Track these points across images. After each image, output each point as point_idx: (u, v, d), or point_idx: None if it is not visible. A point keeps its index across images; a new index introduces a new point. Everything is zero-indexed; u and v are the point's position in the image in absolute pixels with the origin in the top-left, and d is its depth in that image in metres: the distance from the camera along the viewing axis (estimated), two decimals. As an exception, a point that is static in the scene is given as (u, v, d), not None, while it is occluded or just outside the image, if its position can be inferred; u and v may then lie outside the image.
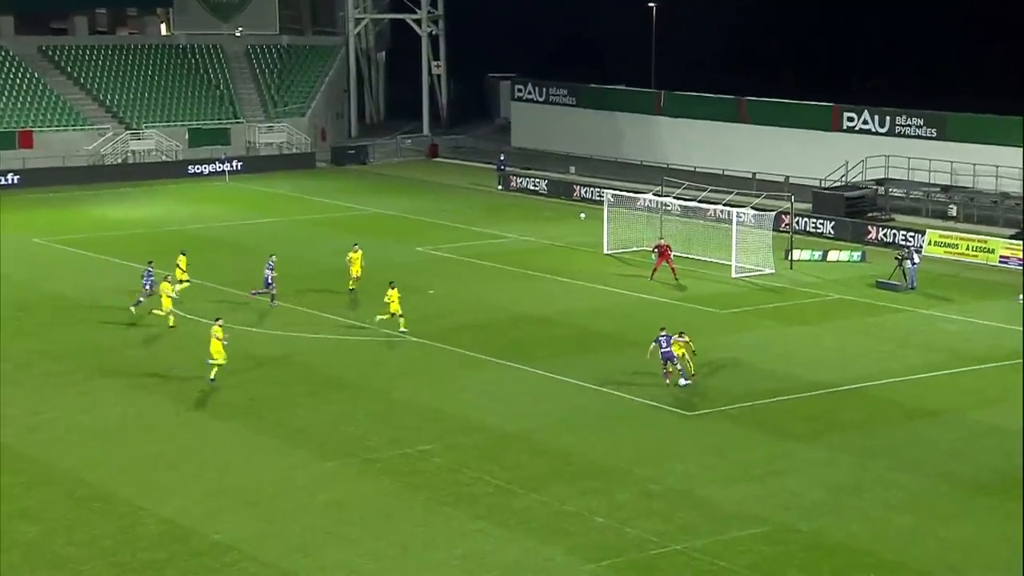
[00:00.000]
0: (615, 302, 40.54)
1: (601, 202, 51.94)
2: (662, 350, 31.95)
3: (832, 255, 48.23)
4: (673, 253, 43.85)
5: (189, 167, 68.52)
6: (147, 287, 38.59)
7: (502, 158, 66.49)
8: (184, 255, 41.16)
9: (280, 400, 31.19)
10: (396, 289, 36.83)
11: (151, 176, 67.39)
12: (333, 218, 57.29)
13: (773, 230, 47.27)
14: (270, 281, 39.44)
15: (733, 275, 44.86)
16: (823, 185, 58.79)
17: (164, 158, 70.02)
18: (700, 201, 49.93)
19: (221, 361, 31.80)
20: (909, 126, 60.41)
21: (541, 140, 75.74)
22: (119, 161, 68.54)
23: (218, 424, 29.43)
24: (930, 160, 57.60)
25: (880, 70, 74.40)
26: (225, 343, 31.75)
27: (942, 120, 59.23)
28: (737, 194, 51.01)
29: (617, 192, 51.98)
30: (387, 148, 77.24)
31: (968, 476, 26.03)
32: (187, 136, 71.51)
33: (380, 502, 24.88)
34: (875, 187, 57.29)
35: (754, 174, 61.70)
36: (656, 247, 44.13)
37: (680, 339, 32.09)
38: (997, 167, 56.01)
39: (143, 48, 76.01)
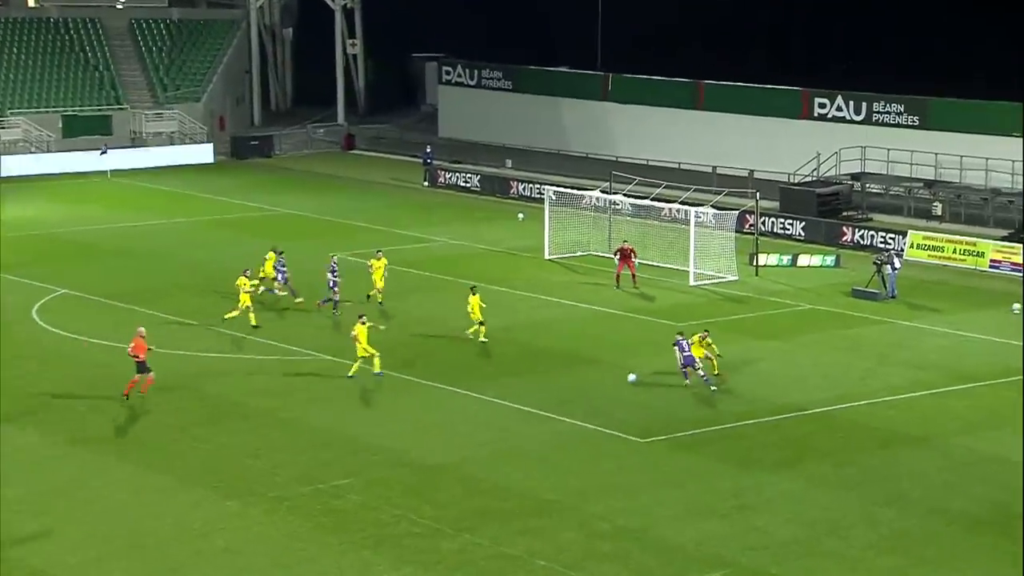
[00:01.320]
0: (560, 315, 40.66)
1: (542, 200, 52.11)
2: (684, 354, 32.95)
3: (803, 259, 48.77)
4: (637, 259, 43.96)
5: (63, 160, 67.52)
6: (281, 279, 40.63)
7: (428, 150, 66.48)
8: (275, 253, 41.94)
9: (174, 430, 30.85)
10: (478, 295, 37.28)
11: (17, 171, 66.32)
12: (234, 219, 56.85)
13: (736, 231, 47.68)
14: (332, 285, 39.56)
15: (691, 283, 45.19)
16: (792, 180, 59.46)
17: (33, 150, 68.96)
18: (653, 199, 50.26)
19: (373, 351, 33.47)
20: (888, 113, 61.35)
21: (473, 130, 75.82)
22: (-20, 153, 67.43)
23: (99, 460, 29.00)
24: (912, 152, 58.52)
25: (856, 49, 75.50)
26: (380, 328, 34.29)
27: (925, 106, 60.22)
28: (695, 191, 51.39)
29: (560, 189, 52.18)
30: (296, 139, 76.86)
31: (960, 512, 26.37)
32: (60, 124, 70.54)
33: (287, 546, 24.71)
34: (850, 182, 58.09)
35: (714, 168, 62.26)
36: (618, 251, 44.26)
37: (702, 339, 33.11)
38: (987, 159, 56.96)
39: (7, 22, 74.84)
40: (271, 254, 42.34)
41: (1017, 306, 41.43)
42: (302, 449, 29.65)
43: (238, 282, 39.10)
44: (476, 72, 76.74)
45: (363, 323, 34.25)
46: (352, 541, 24.98)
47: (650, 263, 47.10)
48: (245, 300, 38.59)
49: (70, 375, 34.84)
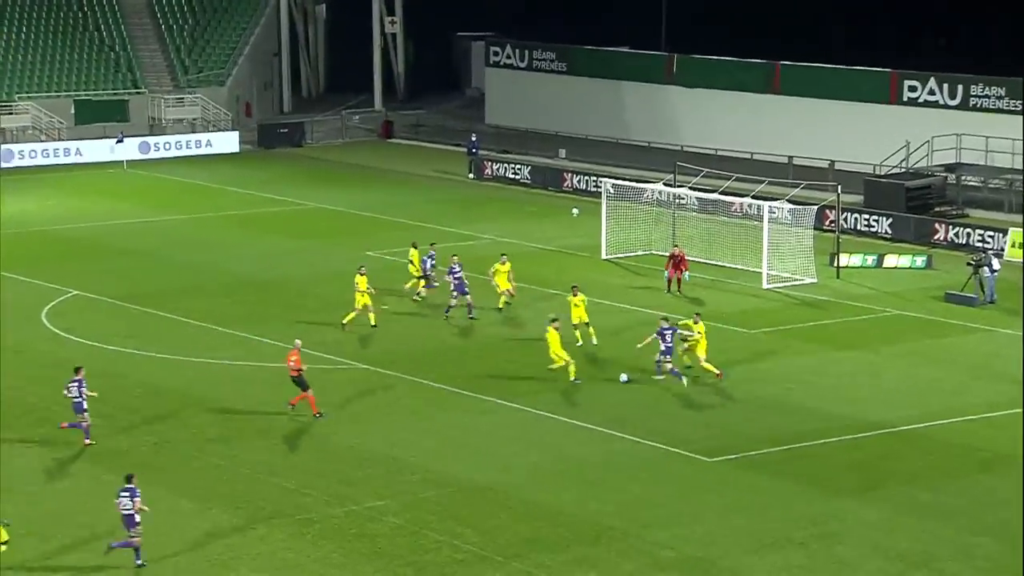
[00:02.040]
0: (617, 321, 40.50)
1: (598, 194, 51.94)
2: (665, 344, 33.91)
3: (889, 260, 48.34)
4: (686, 267, 43.71)
5: (76, 149, 68.20)
6: (429, 270, 41.26)
7: (474, 139, 66.52)
8: (417, 249, 42.54)
9: (192, 447, 30.97)
10: (581, 295, 37.84)
11: (26, 161, 67.05)
12: (261, 215, 57.13)
13: (815, 229, 47.35)
14: (454, 288, 40.03)
15: (765, 285, 44.93)
16: (878, 172, 58.96)
17: (43, 138, 69.68)
18: (722, 193, 49.99)
19: (567, 358, 34.29)
20: (987, 97, 60.69)
21: (523, 116, 75.78)
22: (-14, 142, 68.20)
23: (110, 479, 29.13)
24: (1013, 141, 57.82)
25: (951, 25, 74.55)
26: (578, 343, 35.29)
27: (1028, 89, 59.47)
28: (769, 183, 51.07)
29: (618, 182, 52.01)
30: (329, 127, 77.20)
31: (1065, 540, 25.99)
32: (73, 110, 71.21)
33: (319, 575, 24.62)
34: (944, 174, 57.48)
35: (790, 159, 61.84)
36: (671, 257, 44.02)
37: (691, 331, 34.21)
38: (1097, 150, 56.23)
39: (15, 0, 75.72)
40: (413, 251, 42.48)
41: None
42: (332, 467, 29.69)
43: (356, 280, 39.10)
44: (527, 53, 76.73)
45: (555, 328, 34.73)
46: (389, 569, 24.96)
47: (718, 263, 46.81)
48: (362, 300, 38.78)
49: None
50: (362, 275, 39.52)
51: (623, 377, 33.95)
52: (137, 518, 25.27)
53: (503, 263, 41.39)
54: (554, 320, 35.35)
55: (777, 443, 31.19)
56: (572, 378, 34.65)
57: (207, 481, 29.07)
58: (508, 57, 77.52)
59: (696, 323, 35.25)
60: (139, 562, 25.04)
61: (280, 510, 27.49)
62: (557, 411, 33.00)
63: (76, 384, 31.11)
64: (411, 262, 42.59)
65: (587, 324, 37.78)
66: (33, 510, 27.52)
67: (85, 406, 31.03)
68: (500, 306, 41.05)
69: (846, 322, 41.47)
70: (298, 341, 33.35)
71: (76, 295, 43.91)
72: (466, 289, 40.30)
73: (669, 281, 43.84)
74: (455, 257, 40.99)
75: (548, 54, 75.88)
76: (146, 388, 34.87)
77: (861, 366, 37.18)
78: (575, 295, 37.94)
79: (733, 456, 30.43)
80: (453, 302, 40.21)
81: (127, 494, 25.34)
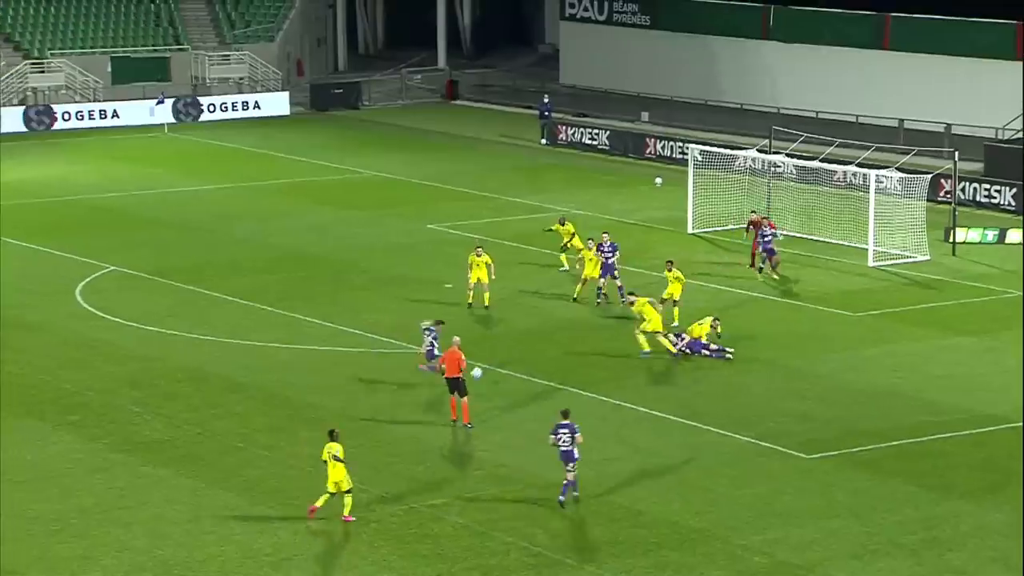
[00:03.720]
0: (704, 301, 40.32)
1: (684, 162, 51.75)
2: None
3: (1012, 236, 47.77)
4: (772, 231, 43.29)
5: (113, 111, 68.89)
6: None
7: (546, 101, 66.44)
8: (562, 225, 43.29)
9: (238, 438, 31.23)
10: (677, 271, 38.28)
11: (60, 123, 67.82)
12: (312, 183, 57.45)
13: (928, 200, 46.91)
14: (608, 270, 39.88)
15: (871, 263, 44.58)
16: (1001, 137, 58.15)
17: (78, 98, 70.47)
18: (823, 160, 49.59)
19: (658, 328, 35.08)
20: (1124, 53, 59.67)
21: (601, 76, 75.59)
22: (15, 102, 69.03)
23: (150, 472, 29.48)
24: None
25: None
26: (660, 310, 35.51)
27: None
28: (877, 150, 50.59)
29: (707, 148, 51.74)
30: (388, 87, 77.43)
31: None
32: (110, 69, 71.95)
33: (375, 580, 24.79)
34: (1074, 140, 56.65)
35: (901, 122, 61.24)
36: (751, 223, 43.82)
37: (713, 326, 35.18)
38: None
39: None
40: (559, 226, 43.04)
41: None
42: (390, 461, 29.80)
43: (470, 259, 39.05)
44: (606, 4, 76.47)
45: (652, 303, 35.55)
46: (452, 573, 25.05)
47: (819, 239, 46.43)
48: (475, 274, 38.92)
49: (119, 369, 35.52)
50: (477, 256, 39.07)
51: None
52: (576, 453, 27.19)
53: (589, 248, 40.77)
54: (631, 295, 36.29)
55: (884, 439, 30.90)
56: (675, 351, 35.42)
57: (254, 474, 29.27)
58: (585, 9, 77.29)
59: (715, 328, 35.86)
60: (572, 495, 27.20)
61: (332, 508, 27.57)
62: (635, 401, 32.93)
63: (430, 333, 33.56)
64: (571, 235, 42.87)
65: (675, 303, 37.71)
66: (66, 504, 27.87)
67: (436, 353, 33.19)
68: (576, 297, 40.52)
69: (963, 304, 41.03)
70: (457, 339, 31.81)
71: (112, 270, 44.40)
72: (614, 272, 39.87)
73: (754, 254, 43.49)
74: (606, 234, 40.48)
75: (630, 6, 75.56)
76: (188, 373, 35.19)
77: (979, 353, 36.77)
78: (670, 270, 37.94)
79: (834, 453, 30.18)
80: (602, 282, 39.84)
81: (566, 430, 27.25)
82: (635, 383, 34.18)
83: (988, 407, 32.83)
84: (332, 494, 26.85)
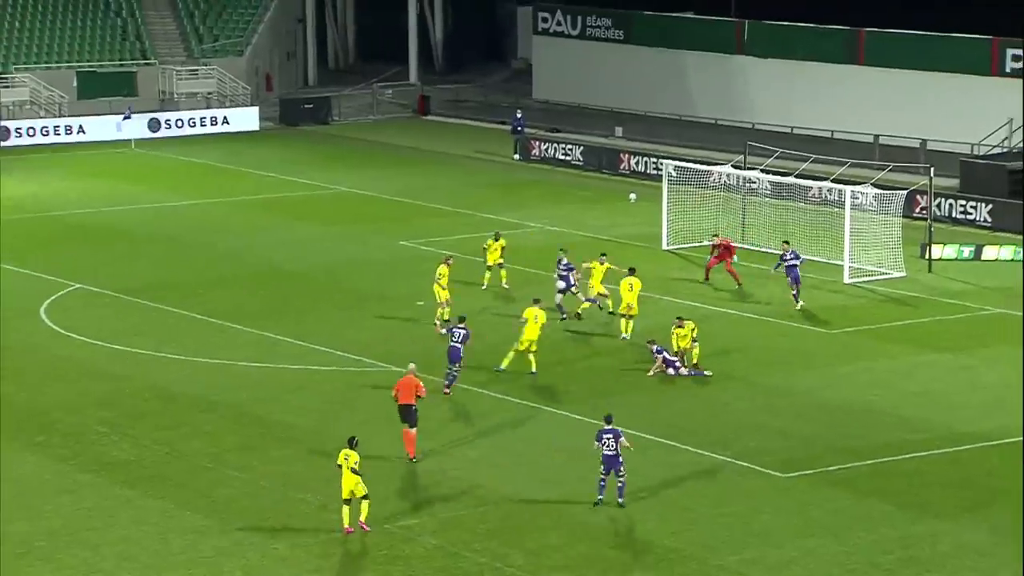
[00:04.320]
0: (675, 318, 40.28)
1: (659, 177, 51.85)
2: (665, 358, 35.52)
3: (989, 252, 48.00)
4: (735, 256, 43.70)
5: (79, 126, 68.73)
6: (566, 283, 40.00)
7: (519, 116, 66.54)
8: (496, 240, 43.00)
9: (208, 458, 31.15)
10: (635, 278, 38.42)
11: (24, 139, 67.60)
12: (283, 199, 57.35)
13: (904, 216, 47.09)
14: (572, 283, 39.79)
15: (846, 280, 44.74)
16: (976, 152, 58.46)
17: (42, 114, 70.25)
18: (798, 176, 49.77)
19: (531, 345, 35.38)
20: (1099, 69, 60.10)
21: (575, 91, 75.72)
22: (-20, 119, 68.79)
23: (118, 493, 29.36)
24: None
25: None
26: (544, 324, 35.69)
27: None
28: (852, 166, 50.77)
29: (682, 164, 51.88)
30: (359, 102, 77.41)
31: None
32: (75, 83, 71.76)
33: (347, 602, 24.83)
34: (1050, 156, 56.98)
35: (876, 138, 61.47)
36: (715, 247, 43.99)
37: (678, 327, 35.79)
38: None
39: (15, -39, 76.34)
40: (492, 242, 42.80)
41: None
42: (364, 482, 29.72)
43: (438, 272, 39.07)
44: (579, 19, 76.65)
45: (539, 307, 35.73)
46: (424, 595, 25.03)
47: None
48: (443, 294, 38.75)
49: (85, 389, 35.38)
50: (448, 265, 39.23)
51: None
52: (622, 458, 28.07)
53: (602, 262, 40.50)
54: (536, 300, 36.38)
55: (861, 457, 30.99)
56: (533, 369, 35.48)
57: (224, 494, 29.19)
58: (559, 24, 77.47)
59: (681, 326, 36.17)
60: (618, 501, 28.13)
61: (304, 528, 27.56)
62: (615, 421, 32.87)
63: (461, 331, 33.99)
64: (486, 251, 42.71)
65: (630, 318, 37.71)
66: (33, 526, 27.73)
67: (462, 353, 33.74)
68: (610, 309, 40.21)
69: (939, 321, 41.19)
70: (412, 365, 31.65)
71: (78, 288, 44.24)
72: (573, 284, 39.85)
73: (709, 269, 43.86)
74: (563, 253, 40.46)
75: (603, 20, 75.77)
76: (156, 392, 35.08)
77: (956, 370, 36.92)
78: (632, 275, 38.33)
79: (810, 471, 30.27)
80: (576, 292, 39.91)
81: (610, 435, 28.21)
82: (613, 402, 34.16)
83: (965, 424, 32.96)
84: (347, 501, 27.04)
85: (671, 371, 35.69)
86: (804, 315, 40.94)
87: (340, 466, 27.19)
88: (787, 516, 28.13)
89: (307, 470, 30.44)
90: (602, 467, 28.32)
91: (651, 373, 35.72)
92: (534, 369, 35.66)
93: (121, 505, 28.70)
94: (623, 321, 38.51)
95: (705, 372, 35.78)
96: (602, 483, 28.36)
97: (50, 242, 50.43)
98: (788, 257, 41.70)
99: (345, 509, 27.09)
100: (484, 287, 42.07)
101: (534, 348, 35.58)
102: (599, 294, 40.41)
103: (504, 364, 35.78)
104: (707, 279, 44.10)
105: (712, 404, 34.26)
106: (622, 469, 28.27)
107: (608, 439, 28.27)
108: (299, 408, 33.96)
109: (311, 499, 28.97)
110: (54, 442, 32.03)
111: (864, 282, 44.63)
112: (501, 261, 42.69)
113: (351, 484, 27.00)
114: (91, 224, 53.16)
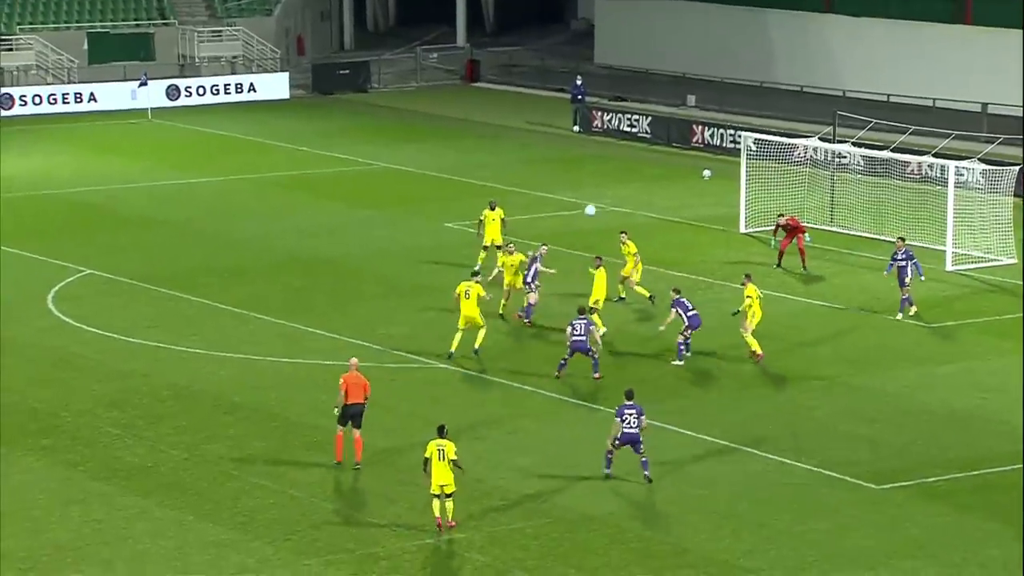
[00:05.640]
0: (763, 312, 40.18)
1: (736, 152, 51.73)
2: (689, 314, 35.76)
3: (1110, 237, 47.59)
4: (806, 234, 43.78)
5: (89, 94, 69.14)
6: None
7: (579, 83, 66.52)
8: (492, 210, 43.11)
9: (231, 464, 31.34)
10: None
11: (30, 108, 68.08)
12: (315, 177, 57.57)
13: (1016, 196, 46.91)
14: (530, 280, 39.22)
15: (948, 267, 44.52)
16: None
17: (50, 80, 70.75)
18: (895, 150, 49.52)
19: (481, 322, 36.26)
20: None
21: (641, 55, 75.59)
22: (-20, 86, 69.38)
23: (131, 503, 29.57)
24: None
25: None
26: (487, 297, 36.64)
27: None
28: (956, 138, 50.44)
29: (762, 136, 51.73)
30: (401, 67, 77.59)
31: None
32: (86, 46, 72.23)
33: (385, 626, 24.96)
34: None
35: (984, 107, 61.10)
36: (780, 227, 44.04)
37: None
38: None
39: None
40: (489, 212, 42.81)
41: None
42: (403, 490, 29.80)
43: (501, 262, 39.66)
44: (648, -26, 76.49)
45: (477, 281, 36.50)
46: (470, 619, 25.14)
47: (889, 239, 46.30)
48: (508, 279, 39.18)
49: (96, 387, 35.63)
50: (510, 253, 39.38)
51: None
52: (641, 437, 29.54)
53: (624, 242, 40.66)
54: (475, 274, 37.07)
55: (965, 468, 30.85)
56: (476, 345, 36.44)
57: (249, 505, 29.31)
58: (624, -21, 77.34)
59: (746, 285, 36.52)
60: (644, 475, 29.69)
61: (338, 543, 27.65)
62: (681, 423, 32.90)
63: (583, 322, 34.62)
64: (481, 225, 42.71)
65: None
66: (36, 541, 27.97)
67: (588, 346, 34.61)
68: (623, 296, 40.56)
69: (1053, 315, 40.93)
70: (354, 360, 31.75)
71: (89, 274, 44.58)
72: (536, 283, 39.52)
73: (781, 254, 43.78)
74: (543, 248, 40.11)
75: (675, -25, 75.58)
76: (174, 390, 35.30)
77: (1073, 371, 36.69)
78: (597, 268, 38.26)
79: (907, 483, 30.15)
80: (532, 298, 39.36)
81: (632, 411, 29.52)
82: (679, 404, 34.16)
83: (1082, 432, 32.70)
84: (436, 496, 27.62)
85: (680, 340, 35.95)
86: (899, 307, 40.70)
87: (428, 459, 27.75)
88: (880, 533, 28.02)
89: (341, 478, 30.56)
90: (616, 442, 29.65)
91: (662, 327, 36.22)
92: (477, 345, 36.58)
93: (135, 516, 28.90)
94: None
95: (680, 358, 35.81)
96: (609, 456, 29.81)
97: (57, 223, 50.86)
98: (900, 256, 40.10)
99: (435, 504, 27.71)
100: (477, 269, 39.91)
101: (481, 323, 36.21)
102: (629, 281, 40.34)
103: (453, 347, 36.45)
104: (780, 264, 43.96)
105: (793, 407, 34.13)
106: (642, 447, 29.57)
107: (630, 416, 29.45)
108: (331, 409, 34.02)
109: (345, 510, 29.08)
110: (61, 446, 32.29)
111: (969, 270, 44.37)
112: (510, 247, 40.22)
113: (444, 478, 27.63)
114: (102, 203, 53.57)
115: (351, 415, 30.67)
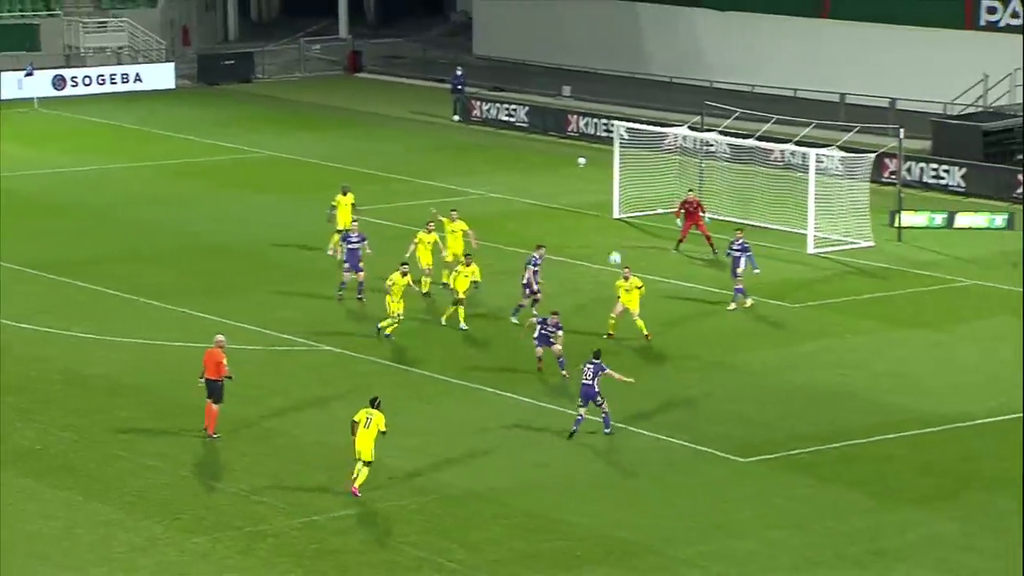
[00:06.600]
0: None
1: (610, 140, 51.87)
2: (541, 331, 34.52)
3: (962, 219, 48.35)
4: (707, 214, 43.89)
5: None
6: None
7: (459, 74, 66.36)
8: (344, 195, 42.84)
9: (117, 444, 30.94)
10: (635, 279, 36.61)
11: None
12: (203, 165, 57.01)
13: (872, 182, 47.37)
14: (527, 282, 37.95)
15: (810, 250, 44.95)
16: (949, 112, 58.84)
17: (-62, 72, 69.40)
18: (759, 138, 49.93)
19: (399, 312, 36.16)
20: (1079, 23, 60.58)
21: (519, 47, 75.56)
22: None
23: (22, 483, 29.12)
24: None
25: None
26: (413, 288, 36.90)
27: None
28: (817, 127, 50.94)
29: (634, 125, 51.93)
30: (284, 58, 76.97)
31: None
32: (-27, 38, 70.91)
33: (273, 601, 24.71)
34: (1027, 116, 57.45)
35: (842, 97, 61.77)
36: (683, 205, 44.18)
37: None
38: None
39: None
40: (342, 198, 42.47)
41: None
42: (290, 469, 29.63)
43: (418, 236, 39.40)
44: (523, -32, 76.45)
45: (403, 273, 36.35)
46: (357, 593, 25.02)
47: (754, 224, 46.69)
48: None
49: (-14, 370, 35.06)
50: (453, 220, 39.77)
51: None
52: (597, 388, 30.45)
53: (454, 220, 40.58)
54: (403, 264, 36.78)
55: (827, 440, 31.14)
56: (387, 332, 36.37)
57: (137, 485, 28.97)
58: (501, -27, 77.24)
59: (627, 279, 36.41)
60: (604, 432, 30.75)
61: (226, 521, 27.43)
62: (560, 402, 32.97)
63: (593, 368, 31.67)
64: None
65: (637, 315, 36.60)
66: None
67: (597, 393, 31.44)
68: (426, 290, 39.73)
69: (910, 294, 41.46)
70: (220, 337, 31.48)
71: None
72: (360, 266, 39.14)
73: (680, 240, 44.09)
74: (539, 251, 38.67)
75: (549, -30, 75.61)
76: (67, 375, 34.81)
77: (928, 348, 37.16)
78: (626, 279, 36.55)
79: (773, 456, 30.40)
80: (537, 295, 38.69)
81: (591, 366, 30.47)
82: (561, 385, 34.18)
83: (937, 406, 33.17)
84: (357, 460, 27.75)
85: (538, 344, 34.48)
86: (764, 288, 41.02)
87: (356, 423, 27.79)
88: (749, 504, 28.24)
89: (229, 458, 30.31)
90: (580, 400, 30.62)
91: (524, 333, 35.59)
92: (388, 331, 36.53)
93: (25, 498, 28.45)
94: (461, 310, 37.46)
95: (564, 373, 33.91)
96: (579, 419, 30.59)
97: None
98: (735, 247, 39.15)
99: (359, 468, 27.81)
100: (406, 259, 38.63)
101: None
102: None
103: (389, 330, 36.49)
104: (678, 248, 44.04)
105: (669, 385, 34.30)
106: (599, 399, 30.48)
107: (587, 368, 30.51)
108: (226, 391, 33.71)
109: (233, 489, 28.84)
110: (-47, 430, 31.73)
111: (829, 252, 44.82)
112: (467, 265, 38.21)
113: (365, 444, 27.65)
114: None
115: (209, 390, 30.78)
